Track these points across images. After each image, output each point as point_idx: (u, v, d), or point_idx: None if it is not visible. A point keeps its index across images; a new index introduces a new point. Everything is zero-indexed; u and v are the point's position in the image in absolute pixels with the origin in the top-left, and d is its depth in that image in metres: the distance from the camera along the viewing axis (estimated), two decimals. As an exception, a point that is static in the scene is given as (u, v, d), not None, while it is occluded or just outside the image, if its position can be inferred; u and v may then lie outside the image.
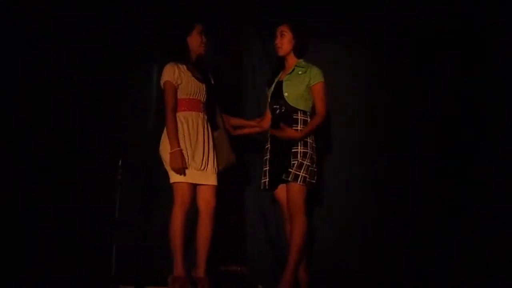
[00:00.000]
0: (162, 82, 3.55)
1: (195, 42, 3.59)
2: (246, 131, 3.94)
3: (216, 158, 3.61)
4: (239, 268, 4.08)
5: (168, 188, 4.16)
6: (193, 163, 3.49)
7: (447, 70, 4.22)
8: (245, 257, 4.22)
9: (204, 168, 3.53)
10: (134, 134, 4.20)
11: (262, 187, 3.73)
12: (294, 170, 3.53)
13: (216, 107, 3.73)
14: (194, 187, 3.55)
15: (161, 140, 3.58)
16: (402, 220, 4.13)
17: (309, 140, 3.60)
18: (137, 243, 4.11)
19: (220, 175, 3.64)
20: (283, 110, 3.64)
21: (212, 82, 3.72)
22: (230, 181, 3.91)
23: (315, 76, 3.62)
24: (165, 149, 3.51)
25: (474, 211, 4.04)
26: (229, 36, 4.37)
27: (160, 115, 4.22)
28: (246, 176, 4.07)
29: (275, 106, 3.68)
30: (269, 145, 3.70)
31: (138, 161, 4.14)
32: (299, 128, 3.59)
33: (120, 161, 3.79)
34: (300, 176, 3.53)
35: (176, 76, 3.52)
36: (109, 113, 4.30)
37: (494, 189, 4.02)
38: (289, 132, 3.57)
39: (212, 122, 3.65)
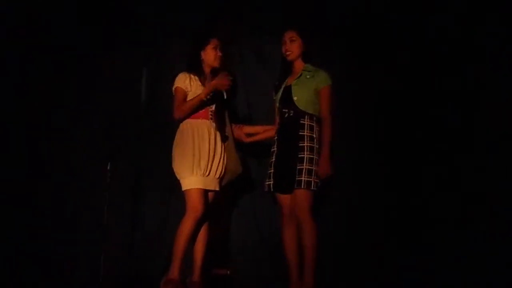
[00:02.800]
0: (173, 89, 3.63)
1: (210, 56, 3.67)
2: (258, 137, 3.94)
3: (223, 166, 3.65)
4: (228, 271, 4.07)
5: (157, 192, 4.21)
6: (199, 170, 3.53)
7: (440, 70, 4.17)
8: (233, 260, 4.19)
9: (208, 174, 3.57)
10: (124, 137, 4.16)
11: (266, 190, 3.72)
12: (305, 177, 3.55)
13: (225, 117, 3.75)
14: (205, 193, 3.57)
15: (172, 154, 3.62)
16: (405, 223, 4.08)
17: (315, 145, 3.61)
18: (125, 248, 4.09)
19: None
20: (291, 114, 3.66)
21: (224, 94, 3.72)
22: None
23: (323, 80, 3.66)
24: (175, 161, 3.57)
25: (475, 211, 3.98)
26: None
27: (151, 117, 4.27)
28: (239, 179, 4.01)
29: (284, 110, 3.70)
30: (275, 149, 3.72)
31: (127, 164, 4.13)
32: (305, 133, 3.60)
33: (108, 165, 3.75)
34: (313, 182, 3.55)
35: (186, 83, 3.61)
36: (99, 115, 4.25)
37: (495, 189, 3.96)
38: (326, 170, 3.56)
39: (221, 131, 3.68)
